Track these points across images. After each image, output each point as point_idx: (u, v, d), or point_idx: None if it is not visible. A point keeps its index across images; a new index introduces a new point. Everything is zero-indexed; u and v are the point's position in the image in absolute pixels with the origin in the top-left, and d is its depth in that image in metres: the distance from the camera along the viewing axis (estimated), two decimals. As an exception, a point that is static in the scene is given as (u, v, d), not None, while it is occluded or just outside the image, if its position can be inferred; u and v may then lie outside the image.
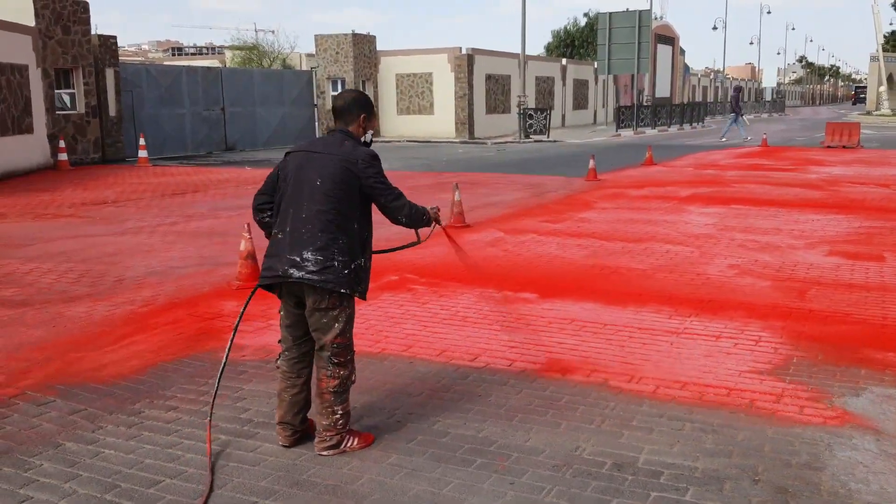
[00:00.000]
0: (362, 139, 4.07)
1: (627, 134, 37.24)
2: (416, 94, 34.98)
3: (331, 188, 3.82)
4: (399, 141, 32.85)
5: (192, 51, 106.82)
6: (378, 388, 4.92)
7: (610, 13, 40.82)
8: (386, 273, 8.14)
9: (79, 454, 3.99)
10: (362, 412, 4.53)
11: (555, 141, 32.53)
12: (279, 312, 4.12)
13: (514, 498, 3.57)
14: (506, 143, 32.08)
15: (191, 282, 7.74)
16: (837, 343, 5.81)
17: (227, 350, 4.20)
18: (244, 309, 4.18)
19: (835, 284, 7.64)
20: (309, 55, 43.92)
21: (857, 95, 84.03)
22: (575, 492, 3.63)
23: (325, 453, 3.96)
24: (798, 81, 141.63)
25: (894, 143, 29.38)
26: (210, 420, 4.18)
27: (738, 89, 34.88)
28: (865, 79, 78.86)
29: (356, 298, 4.03)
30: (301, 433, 4.10)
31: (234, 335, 4.21)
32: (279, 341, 4.16)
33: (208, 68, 29.94)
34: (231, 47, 50.03)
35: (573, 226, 11.28)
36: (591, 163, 17.66)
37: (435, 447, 4.09)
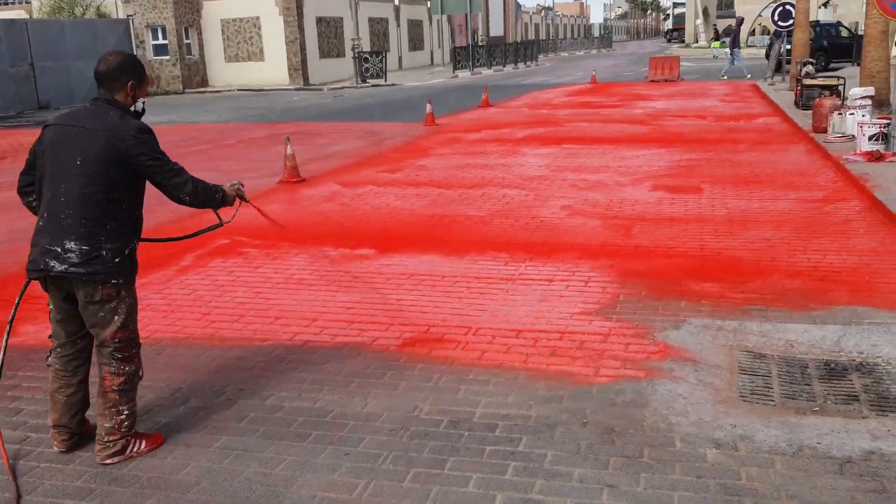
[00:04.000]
0: (132, 108, 3.63)
1: (465, 75, 37.46)
2: (244, 40, 33.48)
3: (96, 168, 3.40)
4: (230, 90, 31.44)
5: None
6: (208, 364, 4.69)
7: (440, -48, 40.55)
8: (215, 238, 7.76)
9: None
10: (189, 394, 4.30)
11: (393, 84, 32.22)
12: (48, 305, 3.65)
13: (349, 469, 3.50)
14: (343, 88, 31.47)
15: (-3, 262, 7.08)
16: (660, 277, 6.09)
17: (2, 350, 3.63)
18: (16, 307, 3.61)
19: (657, 219, 8.00)
20: (126, 1, 41.00)
21: (673, 31, 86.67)
22: (412, 455, 3.60)
23: (108, 461, 3.56)
24: (623, 16, 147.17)
25: (711, 75, 31.16)
26: None
27: (741, 21, 30.63)
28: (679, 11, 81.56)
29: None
30: (79, 436, 3.72)
31: (7, 335, 3.70)
32: (50, 336, 3.71)
33: (12, 21, 27.39)
34: (37, -6, 45.88)
35: (412, 174, 11.21)
36: (429, 107, 17.60)
37: (268, 424, 3.94)
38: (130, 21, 31.91)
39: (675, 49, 60.09)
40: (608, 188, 9.67)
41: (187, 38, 32.98)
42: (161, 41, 32.49)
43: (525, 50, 46.92)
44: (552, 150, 12.95)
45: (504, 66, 42.76)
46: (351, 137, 15.80)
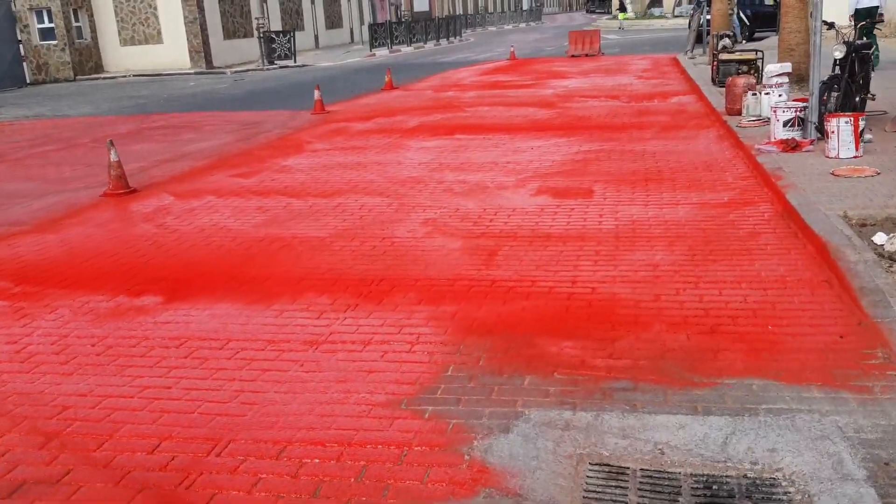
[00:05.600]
0: None
1: (383, 53, 35.58)
2: (139, 21, 30.93)
3: None
4: (125, 76, 29.04)
5: None
6: None
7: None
8: (-32, 284, 6.09)
9: None
10: None
11: (303, 65, 30.22)
12: None
13: None
14: (247, 71, 29.36)
15: None
16: (509, 333, 4.65)
17: None
18: None
19: (532, 237, 6.57)
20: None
21: (591, 1, 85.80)
22: None
23: None
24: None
25: (633, 48, 30.00)
26: None
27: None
28: None
29: None
30: None
31: None
32: None
33: None
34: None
35: (268, 178, 9.59)
36: (317, 94, 15.88)
37: None
38: (12, 3, 29.25)
39: (603, 21, 58.98)
40: (486, 193, 8.22)
41: (77, 20, 30.36)
42: (47, 24, 29.85)
43: (448, 25, 45.13)
44: (440, 143, 11.43)
45: (425, 43, 40.94)
46: (224, 130, 14.03)
